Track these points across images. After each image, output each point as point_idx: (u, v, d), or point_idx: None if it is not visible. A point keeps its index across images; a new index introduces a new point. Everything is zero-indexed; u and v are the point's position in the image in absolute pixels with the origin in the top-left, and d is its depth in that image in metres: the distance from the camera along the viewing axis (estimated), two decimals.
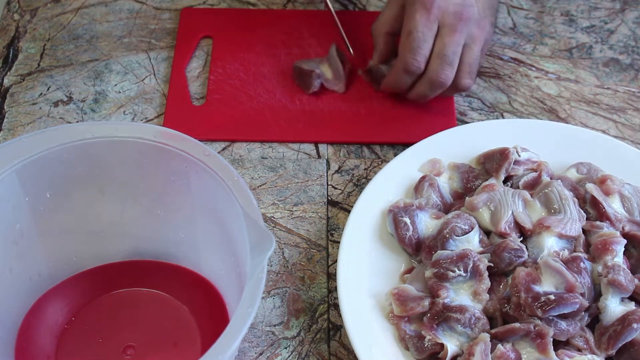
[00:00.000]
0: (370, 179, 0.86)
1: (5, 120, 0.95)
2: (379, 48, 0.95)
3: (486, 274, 0.75)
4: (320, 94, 0.97)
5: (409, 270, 0.81)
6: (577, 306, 0.73)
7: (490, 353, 0.72)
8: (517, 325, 0.73)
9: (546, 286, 0.74)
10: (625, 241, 0.78)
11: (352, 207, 0.84)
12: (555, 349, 0.72)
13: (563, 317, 0.73)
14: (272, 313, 0.81)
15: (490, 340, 0.72)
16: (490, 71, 1.01)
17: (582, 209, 0.81)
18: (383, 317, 0.77)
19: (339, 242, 0.83)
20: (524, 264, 0.77)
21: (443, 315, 0.74)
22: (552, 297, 0.73)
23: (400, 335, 0.76)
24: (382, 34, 0.94)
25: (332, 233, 0.87)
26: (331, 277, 0.84)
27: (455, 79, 0.90)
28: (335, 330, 0.80)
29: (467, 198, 0.82)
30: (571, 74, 1.01)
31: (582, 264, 0.76)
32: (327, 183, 0.91)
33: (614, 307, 0.74)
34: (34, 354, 0.75)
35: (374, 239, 0.82)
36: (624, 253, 0.78)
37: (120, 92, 0.98)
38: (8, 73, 0.99)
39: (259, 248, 0.64)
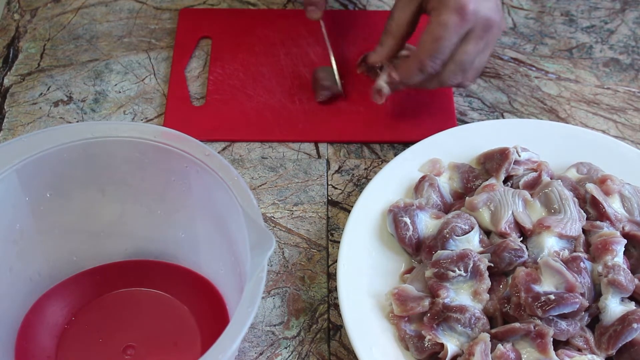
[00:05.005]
0: (370, 179, 0.86)
1: (5, 120, 0.95)
2: (387, 49, 0.89)
3: (486, 274, 0.75)
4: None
5: (409, 270, 0.81)
6: (577, 306, 0.73)
7: (490, 353, 0.72)
8: (517, 325, 0.73)
9: (546, 286, 0.74)
10: (625, 241, 0.78)
11: (352, 207, 0.84)
12: (555, 349, 0.72)
13: (563, 317, 0.73)
14: (272, 313, 0.81)
15: (490, 340, 0.72)
16: (490, 71, 1.01)
17: (582, 209, 0.81)
18: (383, 317, 0.77)
19: (339, 242, 0.83)
20: (524, 264, 0.77)
21: (443, 315, 0.74)
22: (552, 297, 0.73)
23: (400, 335, 0.76)
24: (397, 37, 0.88)
25: (332, 233, 0.87)
26: (331, 277, 0.84)
27: (461, 80, 0.88)
28: (335, 330, 0.80)
29: (467, 198, 0.82)
30: (571, 74, 1.01)
31: (582, 264, 0.76)
32: (327, 183, 0.90)
33: (614, 307, 0.74)
34: (34, 354, 0.75)
35: (374, 239, 0.82)
36: (624, 253, 0.78)
37: (120, 92, 0.98)
38: (8, 73, 0.99)
39: (259, 248, 0.64)
